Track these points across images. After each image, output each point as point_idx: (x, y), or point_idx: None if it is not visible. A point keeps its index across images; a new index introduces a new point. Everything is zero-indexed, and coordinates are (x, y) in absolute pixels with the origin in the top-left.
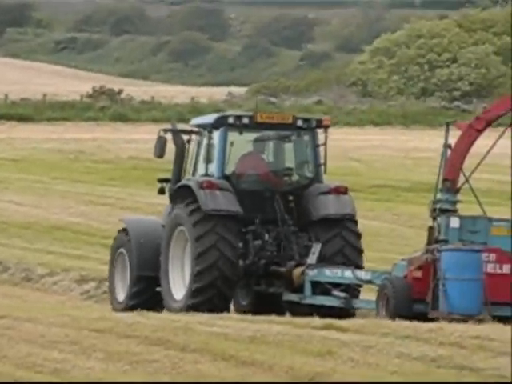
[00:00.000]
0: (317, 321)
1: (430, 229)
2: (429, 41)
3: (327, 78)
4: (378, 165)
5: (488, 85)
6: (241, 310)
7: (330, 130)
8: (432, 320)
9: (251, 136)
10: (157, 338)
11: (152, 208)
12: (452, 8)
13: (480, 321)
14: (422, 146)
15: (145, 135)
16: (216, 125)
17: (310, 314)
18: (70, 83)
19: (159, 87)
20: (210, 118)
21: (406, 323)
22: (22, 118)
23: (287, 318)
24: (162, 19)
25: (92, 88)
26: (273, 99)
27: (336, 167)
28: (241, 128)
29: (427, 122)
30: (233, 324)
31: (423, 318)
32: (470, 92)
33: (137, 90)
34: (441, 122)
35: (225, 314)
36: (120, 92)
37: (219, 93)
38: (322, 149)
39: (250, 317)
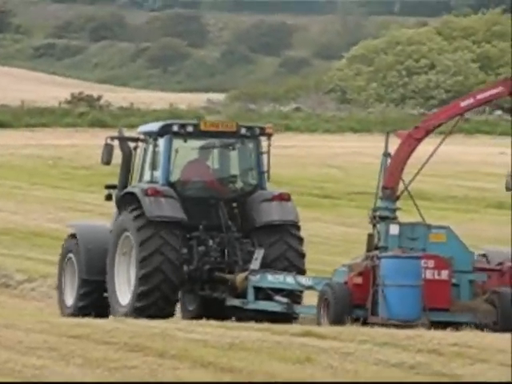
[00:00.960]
0: (296, 327)
1: (370, 236)
2: (407, 47)
3: (306, 84)
4: (357, 172)
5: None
6: (187, 316)
7: (309, 137)
8: (372, 324)
9: (196, 144)
10: (135, 345)
11: None
12: (432, 15)
13: (415, 326)
14: None
15: None
16: (161, 133)
17: (253, 319)
18: (49, 89)
19: (138, 93)
20: (155, 126)
21: (384, 330)
22: (1, 125)
23: (266, 324)
24: (141, 26)
25: (71, 94)
26: (252, 106)
27: (315, 174)
28: (185, 136)
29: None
30: (212, 331)
31: (363, 323)
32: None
33: (115, 97)
34: None
35: (203, 321)
36: (99, 98)
37: (198, 99)
38: (265, 156)
39: (229, 323)
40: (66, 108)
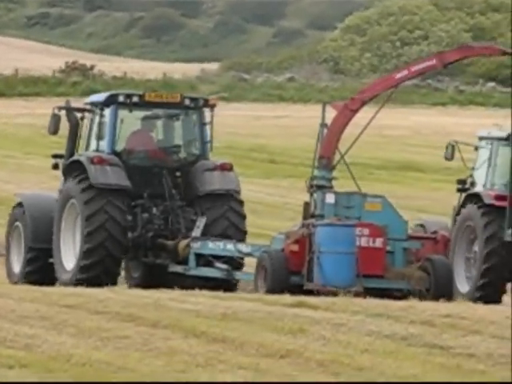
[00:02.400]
0: (288, 298)
1: (306, 204)
2: (400, 18)
3: (299, 55)
4: (350, 142)
5: (459, 63)
6: (132, 283)
7: (302, 107)
8: (309, 292)
9: (141, 114)
10: (128, 314)
11: None
12: None
13: (352, 292)
14: (394, 124)
15: None
16: (107, 103)
17: (195, 285)
18: (42, 58)
19: (132, 63)
20: (101, 97)
21: (377, 301)
22: None
23: (259, 295)
24: None
25: (64, 63)
26: (245, 76)
27: (308, 144)
28: (130, 106)
29: (399, 100)
30: (204, 301)
31: (299, 289)
32: (442, 70)
33: (109, 66)
34: (413, 100)
35: (196, 291)
36: (92, 67)
37: (192, 69)
38: (209, 127)
39: (221, 294)
40: (59, 77)
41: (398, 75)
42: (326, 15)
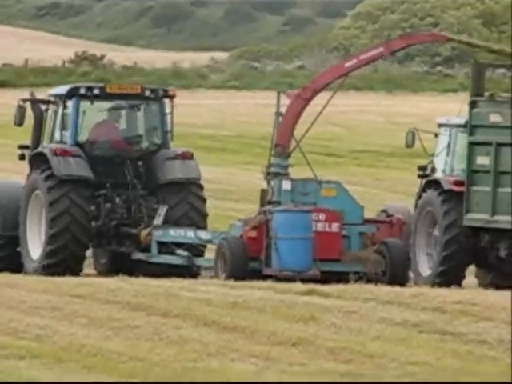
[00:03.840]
0: (299, 286)
1: (263, 191)
2: (412, 6)
3: (310, 43)
4: (360, 130)
5: (470, 49)
6: (100, 268)
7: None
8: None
9: (103, 106)
10: (138, 304)
11: None
12: None
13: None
14: (405, 111)
15: None
16: (69, 95)
17: (157, 272)
18: (52, 49)
19: (142, 53)
20: (63, 89)
21: (389, 288)
22: (4, 84)
23: (269, 283)
24: None
25: (74, 53)
26: (255, 64)
27: (318, 132)
28: (92, 98)
29: (410, 87)
30: (215, 290)
31: (258, 275)
32: (452, 57)
33: (119, 56)
34: (423, 87)
35: (207, 280)
36: (102, 57)
37: (202, 58)
38: (169, 117)
39: (232, 282)
40: (69, 67)
41: (348, 64)
42: (336, 3)
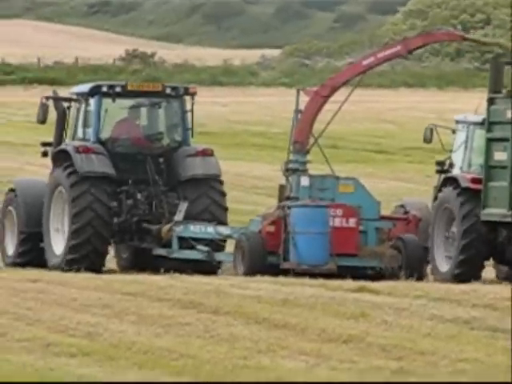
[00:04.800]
0: (350, 283)
1: (281, 187)
2: (462, 2)
3: (360, 39)
4: (412, 127)
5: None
6: (122, 263)
7: (363, 91)
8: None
9: (124, 103)
10: (189, 301)
11: None
12: None
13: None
14: (456, 108)
15: None
16: (91, 93)
17: (178, 268)
18: (103, 47)
19: (192, 50)
20: (85, 87)
21: (439, 285)
22: (55, 82)
23: (320, 280)
24: None
25: (125, 51)
26: (306, 61)
27: (369, 129)
28: (114, 96)
29: (461, 84)
30: (266, 287)
31: (276, 269)
32: (503, 54)
33: (170, 53)
34: (475, 84)
35: (258, 277)
36: (153, 55)
37: (252, 55)
38: (190, 115)
39: (282, 279)
40: (120, 65)
41: (365, 62)
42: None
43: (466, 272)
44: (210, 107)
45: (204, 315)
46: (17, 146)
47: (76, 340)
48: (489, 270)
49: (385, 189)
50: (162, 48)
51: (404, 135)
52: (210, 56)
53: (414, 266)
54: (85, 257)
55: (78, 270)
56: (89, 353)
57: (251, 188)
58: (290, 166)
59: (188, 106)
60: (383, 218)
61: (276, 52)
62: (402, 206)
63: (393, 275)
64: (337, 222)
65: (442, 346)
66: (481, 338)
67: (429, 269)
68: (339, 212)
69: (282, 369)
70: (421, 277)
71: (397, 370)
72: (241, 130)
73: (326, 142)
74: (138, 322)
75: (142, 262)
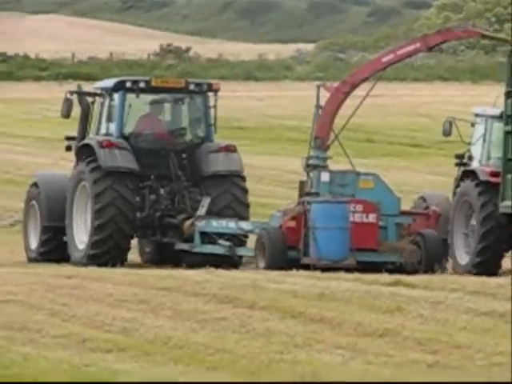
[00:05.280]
0: (385, 277)
1: (301, 183)
2: None
3: (395, 33)
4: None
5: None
6: (145, 257)
7: (398, 85)
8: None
9: (148, 99)
10: (225, 296)
11: None
12: None
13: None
14: (490, 102)
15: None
16: (115, 88)
17: (200, 262)
18: (137, 42)
19: (226, 45)
20: (110, 82)
21: (475, 278)
22: (89, 77)
23: (356, 274)
24: None
25: (159, 46)
26: (341, 55)
27: (404, 123)
28: (138, 91)
29: (495, 77)
30: (301, 281)
31: (297, 263)
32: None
33: (204, 48)
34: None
35: (294, 272)
36: (187, 50)
37: (286, 49)
38: (213, 111)
39: (318, 274)
40: (154, 60)
41: (385, 59)
42: None
43: (486, 261)
44: (245, 102)
45: (240, 310)
46: (52, 142)
47: (111, 335)
48: (507, 262)
49: (420, 182)
50: (196, 43)
51: (439, 129)
52: (244, 51)
53: (434, 260)
54: (107, 252)
55: (100, 265)
56: (124, 348)
57: (286, 183)
58: (311, 161)
59: (211, 102)
60: (403, 213)
61: (310, 46)
62: (422, 197)
63: (413, 271)
64: (357, 218)
65: (477, 339)
66: None
67: (449, 264)
68: (359, 208)
69: (317, 363)
70: (441, 271)
71: (433, 364)
72: (276, 125)
73: (360, 136)
74: (173, 317)
75: (164, 256)
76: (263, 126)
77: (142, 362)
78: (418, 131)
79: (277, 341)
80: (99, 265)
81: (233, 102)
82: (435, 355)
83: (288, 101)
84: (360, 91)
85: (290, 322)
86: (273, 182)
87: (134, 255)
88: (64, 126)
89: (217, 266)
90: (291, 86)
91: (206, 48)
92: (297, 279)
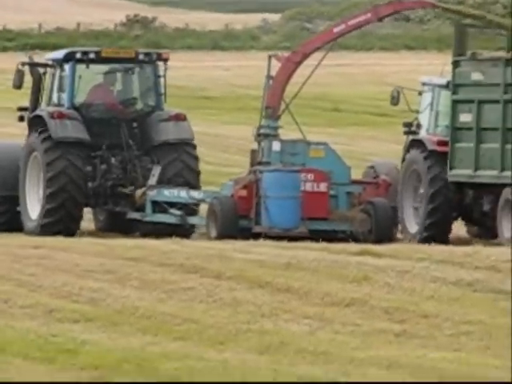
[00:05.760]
0: (352, 247)
1: (253, 152)
2: None
3: (362, 2)
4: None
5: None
6: (99, 225)
7: (364, 55)
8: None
9: (98, 69)
10: (192, 266)
11: None
12: None
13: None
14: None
15: (179, 63)
16: (65, 59)
17: (152, 231)
18: (104, 12)
19: (193, 15)
20: (60, 54)
21: (442, 247)
22: (56, 48)
23: (323, 244)
24: None
25: (126, 16)
26: (307, 25)
27: (371, 92)
28: (88, 62)
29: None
30: (268, 251)
31: (248, 233)
32: (506, 15)
33: (170, 18)
34: (475, 46)
35: (260, 242)
36: (154, 20)
37: (253, 19)
38: (163, 80)
39: (285, 243)
40: (121, 31)
41: (336, 29)
42: None
43: (434, 235)
44: (212, 72)
45: (207, 280)
46: (17, 112)
47: (79, 306)
48: (460, 228)
49: (386, 152)
50: (163, 13)
51: (405, 98)
52: (210, 20)
53: (384, 229)
54: (59, 221)
55: (53, 234)
56: (92, 318)
57: None
58: (262, 131)
59: (161, 72)
60: (354, 182)
61: (277, 16)
62: (372, 167)
63: (363, 239)
64: (308, 187)
65: (445, 308)
66: (484, 300)
67: (399, 231)
68: (310, 177)
69: (285, 332)
70: (390, 240)
71: (400, 333)
72: (243, 94)
73: (327, 105)
74: (140, 288)
75: (117, 224)
76: (230, 95)
77: (110, 332)
78: (385, 100)
79: (244, 311)
80: (53, 234)
81: (200, 71)
82: (402, 324)
83: (254, 70)
84: (325, 61)
85: (257, 292)
86: (239, 152)
87: (88, 223)
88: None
89: (169, 234)
90: (258, 55)
91: (172, 18)
92: (263, 249)
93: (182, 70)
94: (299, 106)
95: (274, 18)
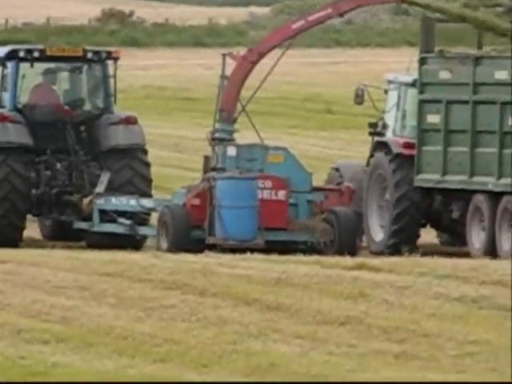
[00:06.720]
0: (347, 260)
1: (206, 158)
2: None
3: None
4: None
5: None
6: (45, 231)
7: (360, 52)
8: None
9: (43, 68)
10: (173, 282)
11: (166, 139)
12: None
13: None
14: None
15: (159, 61)
16: (8, 57)
17: (100, 242)
18: (77, 5)
19: (173, 9)
20: (2, 51)
21: (445, 261)
22: (24, 44)
23: (315, 257)
24: None
25: (101, 10)
26: None
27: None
28: (32, 61)
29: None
30: (256, 265)
31: (201, 244)
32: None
33: (149, 12)
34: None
35: (248, 255)
36: (131, 14)
37: (239, 13)
38: (113, 81)
39: (275, 257)
40: (95, 26)
41: (295, 26)
42: None
43: (401, 242)
44: (193, 70)
45: (189, 297)
46: None
47: (50, 325)
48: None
49: None
50: (141, 6)
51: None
52: (193, 14)
53: (347, 240)
54: (1, 232)
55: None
56: (64, 339)
57: None
58: (216, 135)
59: (111, 71)
60: (315, 189)
61: (265, 10)
62: (337, 168)
63: (324, 250)
64: (265, 195)
65: (448, 327)
66: (490, 318)
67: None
68: (268, 184)
69: (274, 354)
70: (353, 252)
71: (399, 354)
72: None
73: (319, 106)
74: (117, 305)
75: (64, 233)
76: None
77: (83, 353)
78: (382, 101)
79: (230, 330)
80: None
81: (181, 70)
82: (402, 345)
83: None
84: (317, 58)
85: (244, 310)
86: None
87: (33, 232)
88: None
89: (120, 246)
90: None
91: (151, 12)
92: (251, 263)
93: (162, 69)
94: (290, 107)
95: (263, 11)
